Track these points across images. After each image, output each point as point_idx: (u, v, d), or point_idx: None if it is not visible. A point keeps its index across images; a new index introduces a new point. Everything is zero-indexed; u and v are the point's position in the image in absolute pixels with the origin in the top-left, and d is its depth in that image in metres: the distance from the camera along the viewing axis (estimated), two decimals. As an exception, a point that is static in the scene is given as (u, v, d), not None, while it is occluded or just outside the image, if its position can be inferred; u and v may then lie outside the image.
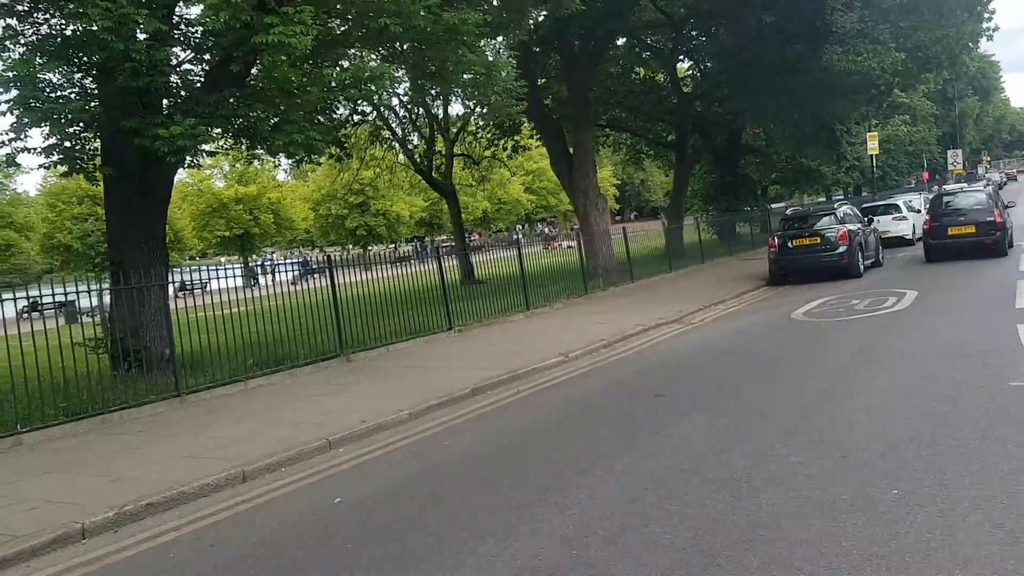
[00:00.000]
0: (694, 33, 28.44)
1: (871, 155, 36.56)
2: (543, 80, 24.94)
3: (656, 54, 30.13)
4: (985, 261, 17.55)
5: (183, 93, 10.26)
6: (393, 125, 28.59)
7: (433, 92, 13.88)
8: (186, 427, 8.91)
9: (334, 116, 15.47)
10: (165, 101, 10.44)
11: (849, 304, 13.77)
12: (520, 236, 64.03)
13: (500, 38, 12.59)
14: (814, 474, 5.27)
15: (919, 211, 28.20)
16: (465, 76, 11.25)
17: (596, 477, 5.79)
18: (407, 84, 12.75)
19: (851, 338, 10.56)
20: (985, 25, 24.97)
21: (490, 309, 15.83)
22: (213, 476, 6.78)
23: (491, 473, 6.29)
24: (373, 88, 10.22)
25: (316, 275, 16.26)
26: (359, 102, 12.96)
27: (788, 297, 16.15)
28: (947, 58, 26.62)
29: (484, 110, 13.36)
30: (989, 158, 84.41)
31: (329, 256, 15.36)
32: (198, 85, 10.62)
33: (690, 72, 31.65)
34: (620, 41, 27.27)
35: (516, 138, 29.61)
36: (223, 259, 52.57)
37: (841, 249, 17.79)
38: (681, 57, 30.02)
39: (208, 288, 13.94)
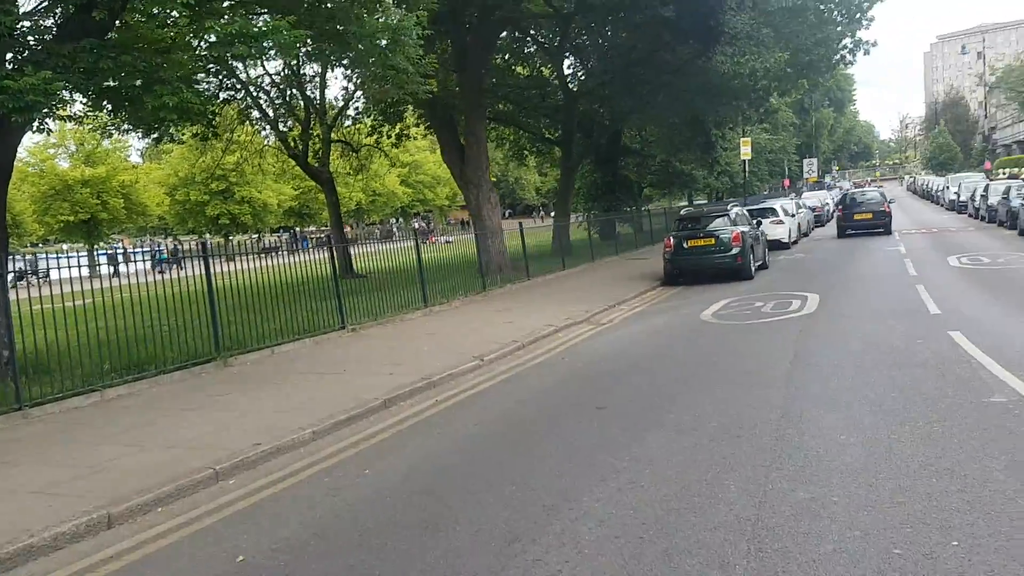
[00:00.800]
0: (583, 31, 27.98)
1: (743, 160, 37.52)
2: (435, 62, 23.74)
3: (543, 48, 29.49)
4: (871, 261, 18.11)
5: (31, 41, 8.41)
6: (265, 105, 26.43)
7: (332, 59, 12.34)
8: (30, 452, 7.18)
9: (202, 90, 13.70)
10: (9, 55, 8.56)
11: (754, 307, 13.45)
12: (395, 230, 62.26)
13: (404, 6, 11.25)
14: (839, 515, 4.45)
15: (794, 215, 29.04)
16: (369, 42, 9.90)
17: (572, 520, 4.75)
18: (306, 48, 11.21)
19: (777, 343, 10.06)
20: (862, 35, 25.86)
21: (385, 306, 14.48)
22: (69, 522, 5.25)
23: (435, 515, 5.10)
24: (268, 45, 8.72)
25: (180, 264, 14.36)
26: (239, 69, 11.29)
27: (688, 298, 15.78)
28: (825, 66, 27.50)
29: (386, 85, 11.95)
30: (839, 167, 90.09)
31: (204, 242, 13.52)
32: (51, 36, 8.78)
33: (572, 70, 31.19)
34: (505, 33, 26.42)
35: (400, 125, 28.12)
36: (65, 246, 47.85)
37: (735, 251, 17.66)
38: (567, 54, 29.47)
39: (50, 277, 11.85)
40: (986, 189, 32.20)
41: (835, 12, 25.75)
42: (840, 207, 30.45)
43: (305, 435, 7.25)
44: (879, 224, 27.83)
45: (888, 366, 8.18)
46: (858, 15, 25.58)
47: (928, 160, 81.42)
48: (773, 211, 26.96)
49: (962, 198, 39.43)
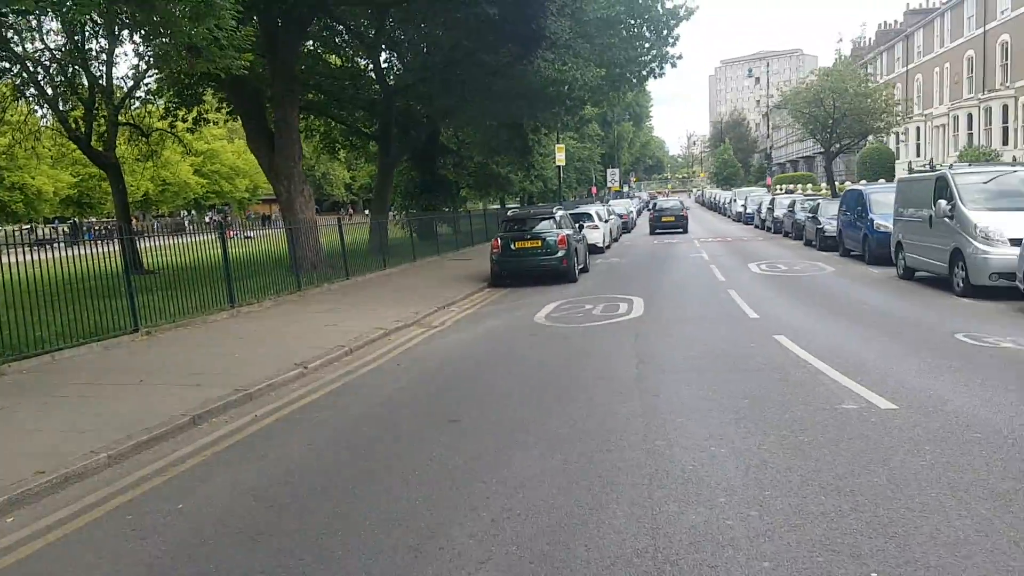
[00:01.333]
0: (400, 24, 27.12)
1: (557, 166, 38.26)
2: (251, 35, 21.95)
3: (359, 39, 28.29)
4: (680, 266, 18.84)
5: None
6: (43, 83, 23.19)
7: (135, 20, 10.67)
8: None
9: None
10: None
11: (585, 309, 13.37)
12: (186, 223, 57.65)
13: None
14: (740, 543, 4.06)
15: (607, 221, 29.91)
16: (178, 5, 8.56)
17: (447, 563, 4.03)
18: (103, 9, 9.52)
19: (616, 347, 9.87)
20: (670, 50, 27.04)
21: (184, 306, 12.87)
22: None
23: (269, 568, 4.19)
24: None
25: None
26: (15, 41, 9.42)
27: (517, 300, 15.49)
28: (636, 79, 28.52)
29: (195, 58, 10.50)
30: (636, 178, 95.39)
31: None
32: None
33: (388, 64, 30.22)
34: (317, 20, 24.98)
35: (198, 109, 25.78)
36: None
37: (561, 253, 17.67)
38: (384, 47, 28.48)
39: None
40: (772, 203, 34.98)
41: (644, 28, 26.81)
42: (650, 212, 41.48)
43: (100, 459, 5.99)
44: (680, 225, 36.83)
45: (729, 370, 8.17)
46: (665, 31, 26.77)
47: (714, 175, 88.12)
48: (589, 216, 27.53)
49: (748, 210, 42.75)
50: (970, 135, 42.78)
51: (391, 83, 28.71)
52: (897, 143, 48.12)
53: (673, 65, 27.21)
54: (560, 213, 19.65)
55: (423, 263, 23.70)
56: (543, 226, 18.38)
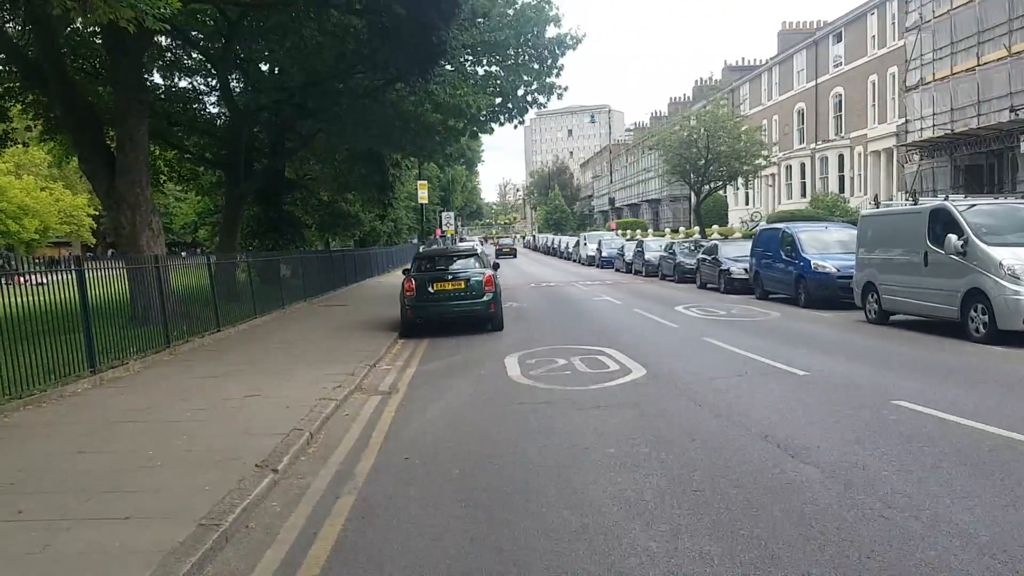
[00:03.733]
0: (257, 35, 23.56)
1: (421, 204, 35.64)
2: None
3: (204, 54, 24.39)
4: (602, 311, 16.75)
5: None
6: None
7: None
8: None
9: None
10: None
11: (558, 364, 10.95)
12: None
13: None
14: None
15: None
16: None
17: None
18: None
19: (704, 421, 7.49)
20: (555, 80, 25.46)
21: (27, 372, 8.89)
22: None
23: None
24: None
25: None
26: None
27: (453, 354, 12.73)
28: (517, 111, 26.67)
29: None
30: (462, 223, 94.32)
31: None
32: None
33: (239, 82, 26.32)
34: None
35: (3, 126, 20.77)
36: None
37: (488, 297, 15.08)
38: (237, 60, 24.72)
39: None
40: (640, 245, 34.33)
41: (528, 55, 25.13)
42: (495, 246, 61.28)
43: None
44: (512, 254, 58.06)
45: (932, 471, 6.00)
46: (550, 61, 25.21)
47: (544, 220, 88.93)
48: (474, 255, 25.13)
49: (605, 254, 42.16)
50: (803, 183, 45.03)
51: (240, 106, 24.92)
52: (735, 190, 49.68)
53: (559, 96, 25.64)
54: (481, 249, 17.09)
55: (294, 310, 20.16)
56: (464, 264, 15.76)
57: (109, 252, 77.74)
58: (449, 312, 15.07)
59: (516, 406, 8.36)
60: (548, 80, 25.48)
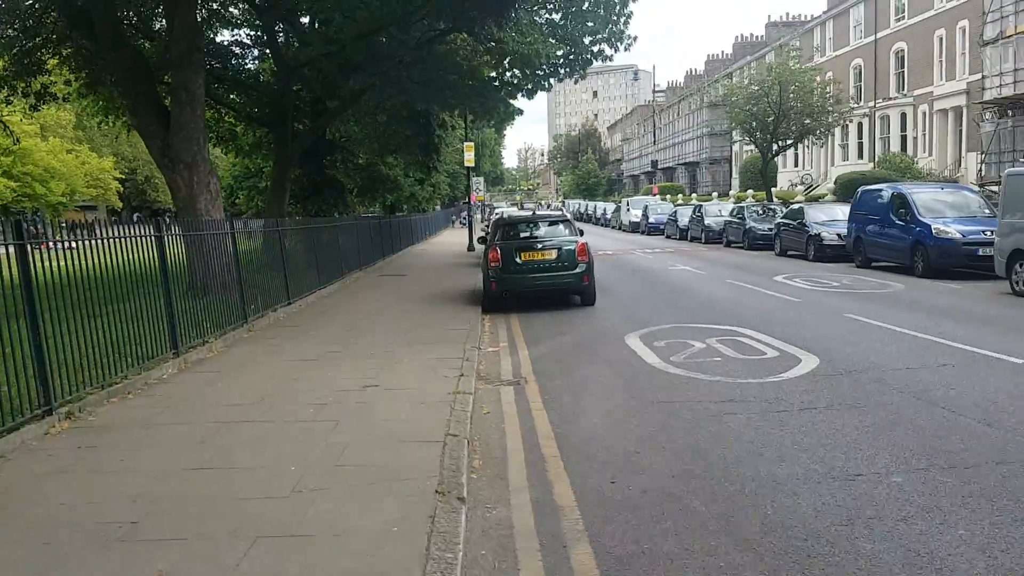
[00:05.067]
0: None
1: (468, 168, 34.08)
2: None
3: (250, 3, 22.78)
4: (686, 281, 15.19)
5: None
6: None
7: None
8: None
9: None
10: None
11: (696, 349, 9.43)
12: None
13: None
14: None
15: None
16: None
17: None
18: None
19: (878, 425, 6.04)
20: (624, 29, 23.61)
21: (107, 355, 7.51)
22: None
23: None
24: None
25: None
26: None
27: (555, 330, 11.34)
28: (583, 62, 24.91)
29: None
30: (488, 190, 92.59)
31: None
32: None
33: (284, 36, 24.70)
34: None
35: (42, 79, 19.38)
36: None
37: (581, 268, 13.59)
38: (286, 12, 23.08)
39: None
40: (699, 210, 32.63)
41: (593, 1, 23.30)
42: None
43: None
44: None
45: None
46: (617, 5, 23.33)
47: (576, 185, 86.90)
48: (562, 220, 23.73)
49: (652, 220, 40.46)
50: (860, 144, 42.94)
51: (288, 59, 23.35)
52: (808, 148, 46.94)
53: (627, 48, 23.77)
54: (568, 215, 15.60)
55: (353, 281, 18.81)
56: (555, 231, 14.27)
57: (135, 216, 76.59)
58: (539, 284, 13.63)
59: (694, 405, 6.90)
60: (616, 28, 23.63)
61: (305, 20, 24.33)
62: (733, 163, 63.32)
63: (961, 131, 35.03)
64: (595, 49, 23.81)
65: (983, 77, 29.92)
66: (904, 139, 38.93)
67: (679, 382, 7.80)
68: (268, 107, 23.91)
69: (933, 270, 15.50)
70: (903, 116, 39.07)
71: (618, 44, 23.76)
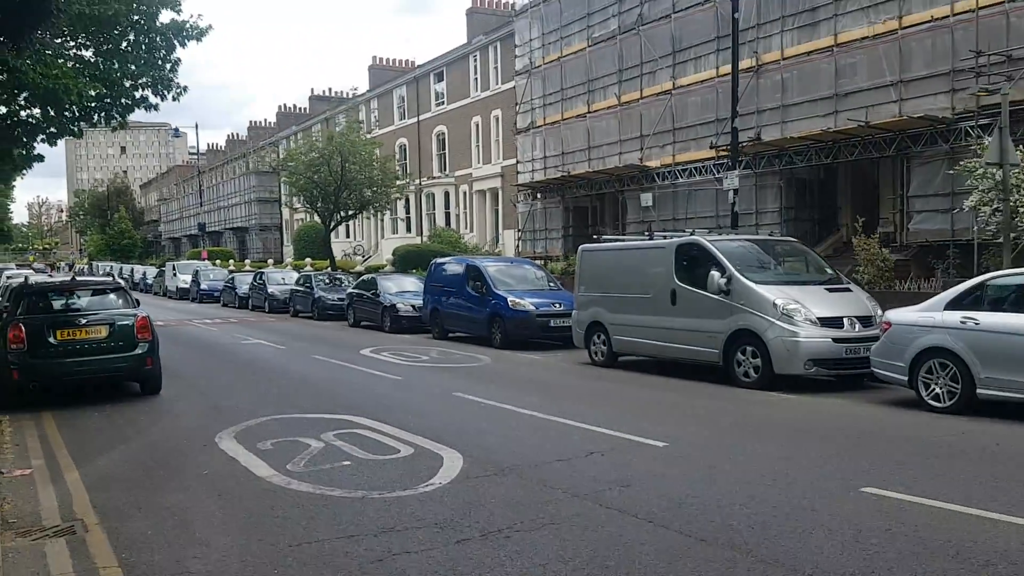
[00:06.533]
0: None
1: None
2: None
3: None
4: (263, 355, 13.56)
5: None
6: None
7: None
8: None
9: None
10: None
11: (334, 448, 7.81)
12: None
13: None
14: None
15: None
16: None
17: None
18: None
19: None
20: (172, 77, 20.82)
21: None
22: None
23: None
24: None
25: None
26: None
27: (133, 438, 8.66)
28: (123, 109, 21.35)
29: None
30: None
31: None
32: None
33: None
34: None
35: None
36: None
37: (142, 348, 10.85)
38: None
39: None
40: (260, 278, 30.49)
41: (140, 39, 20.20)
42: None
43: None
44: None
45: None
46: (163, 50, 20.53)
47: (107, 246, 76.65)
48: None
49: (204, 286, 37.01)
50: (408, 219, 44.97)
51: None
52: (369, 219, 46.75)
53: (176, 97, 20.93)
54: (121, 282, 12.51)
55: None
56: (105, 302, 11.23)
57: None
58: (84, 371, 10.49)
59: (348, 545, 5.12)
60: (161, 73, 20.67)
61: None
62: (284, 230, 62.13)
63: (498, 210, 38.70)
64: (137, 95, 20.42)
65: (517, 162, 33.39)
66: (448, 215, 41.73)
67: (312, 505, 5.97)
68: None
69: (511, 341, 15.89)
70: (447, 194, 41.96)
71: (165, 92, 20.72)
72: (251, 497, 6.25)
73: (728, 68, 22.58)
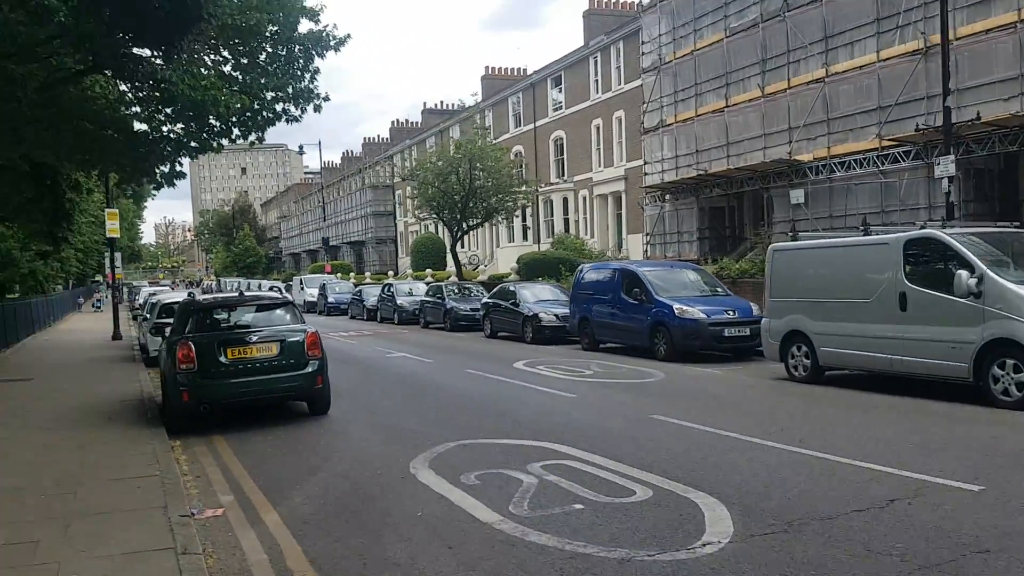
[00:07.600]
0: None
1: (110, 238, 27.76)
2: None
3: None
4: (468, 388, 12.72)
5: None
6: None
7: None
8: None
9: None
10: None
11: (550, 484, 6.79)
12: None
13: None
14: None
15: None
16: None
17: None
18: None
19: None
20: (312, 87, 20.50)
21: None
22: None
23: None
24: None
25: None
26: None
27: (320, 468, 7.87)
28: (264, 122, 21.24)
29: None
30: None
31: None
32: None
33: None
34: None
35: None
36: None
37: (313, 367, 10.18)
38: None
39: None
40: (389, 290, 30.24)
41: (276, 52, 19.96)
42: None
43: None
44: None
45: None
46: (302, 60, 20.21)
47: (233, 263, 79.67)
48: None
49: (331, 299, 37.28)
50: (525, 227, 44.13)
51: None
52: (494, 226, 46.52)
53: (317, 108, 20.61)
54: (290, 297, 11.98)
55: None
56: (272, 318, 10.64)
57: None
58: (254, 392, 9.88)
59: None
60: (301, 85, 20.36)
61: None
62: (399, 242, 62.68)
63: (620, 214, 37.36)
64: (278, 108, 20.19)
65: (644, 163, 31.97)
66: (567, 222, 40.65)
67: (567, 566, 4.86)
68: None
69: (677, 352, 14.56)
70: (565, 200, 40.89)
71: (305, 104, 20.39)
72: (487, 550, 5.23)
73: (890, 51, 20.93)
